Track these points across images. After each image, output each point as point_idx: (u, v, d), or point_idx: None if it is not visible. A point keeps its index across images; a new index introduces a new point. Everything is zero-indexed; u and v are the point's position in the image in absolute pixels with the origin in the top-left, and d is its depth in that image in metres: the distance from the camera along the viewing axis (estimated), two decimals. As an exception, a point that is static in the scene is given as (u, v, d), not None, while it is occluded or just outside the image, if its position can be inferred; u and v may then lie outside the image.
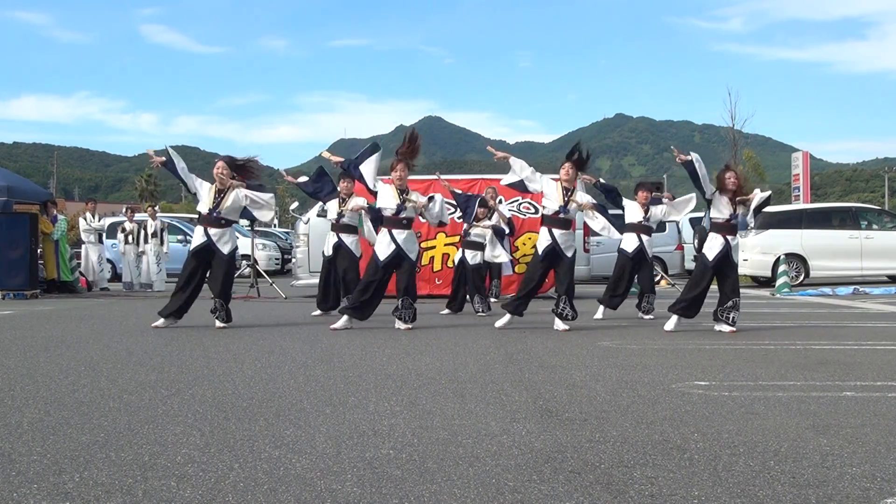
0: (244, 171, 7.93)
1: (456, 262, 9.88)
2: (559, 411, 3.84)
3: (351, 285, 8.80)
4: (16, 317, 9.44)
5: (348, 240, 9.09)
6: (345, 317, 7.66)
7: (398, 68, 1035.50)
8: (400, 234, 7.60)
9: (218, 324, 7.89)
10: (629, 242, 8.89)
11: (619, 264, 9.05)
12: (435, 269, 12.34)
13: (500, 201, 12.35)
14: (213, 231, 7.79)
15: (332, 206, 9.27)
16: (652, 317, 8.78)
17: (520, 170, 7.74)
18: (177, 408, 3.92)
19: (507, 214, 11.70)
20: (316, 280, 12.77)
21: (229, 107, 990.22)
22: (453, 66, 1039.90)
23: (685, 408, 3.92)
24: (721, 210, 7.50)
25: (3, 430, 3.46)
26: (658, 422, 3.60)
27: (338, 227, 9.16)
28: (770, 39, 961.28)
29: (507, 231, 11.16)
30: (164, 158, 7.73)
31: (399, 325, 7.62)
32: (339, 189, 9.29)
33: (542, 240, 7.62)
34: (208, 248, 7.81)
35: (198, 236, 7.88)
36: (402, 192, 7.62)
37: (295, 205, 14.65)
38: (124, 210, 17.40)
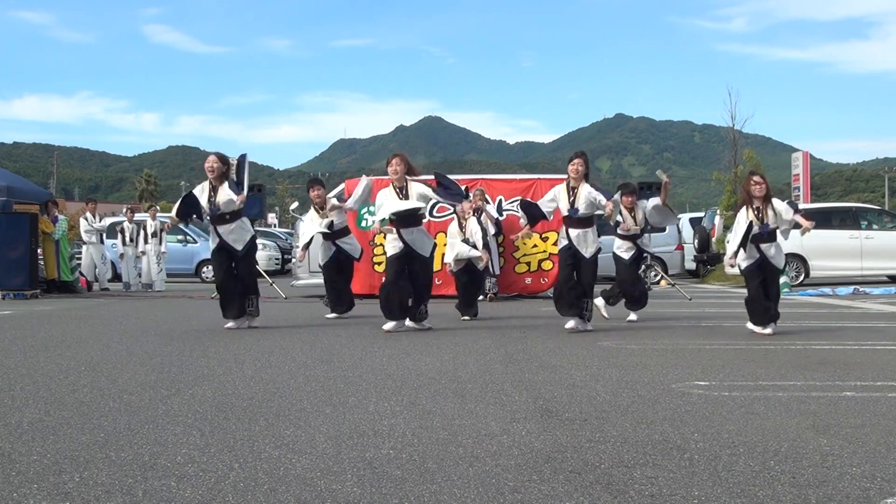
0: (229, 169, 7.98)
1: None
2: (559, 411, 3.84)
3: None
4: (16, 317, 9.44)
5: (344, 244, 9.16)
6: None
7: (400, 68, 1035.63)
8: (408, 234, 7.55)
9: (251, 322, 7.93)
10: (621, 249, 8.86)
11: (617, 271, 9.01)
12: (435, 270, 12.32)
13: (500, 201, 12.38)
14: (221, 229, 7.80)
15: (312, 218, 9.26)
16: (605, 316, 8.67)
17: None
18: (177, 408, 3.92)
19: (496, 216, 11.71)
20: (316, 280, 12.82)
21: (231, 106, 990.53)
22: (455, 66, 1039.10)
23: (685, 408, 3.92)
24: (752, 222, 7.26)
25: (3, 430, 3.46)
26: (658, 422, 3.60)
27: (332, 235, 9.18)
28: (773, 39, 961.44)
29: (493, 232, 11.16)
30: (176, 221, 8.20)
31: (387, 325, 7.55)
32: (311, 198, 9.30)
33: (561, 240, 7.63)
34: (223, 248, 7.84)
35: (212, 238, 7.97)
36: (402, 189, 7.54)
37: (295, 205, 14.64)
38: (124, 210, 17.40)
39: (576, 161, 7.43)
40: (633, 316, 8.68)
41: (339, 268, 9.26)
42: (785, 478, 2.74)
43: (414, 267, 7.61)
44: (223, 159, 7.91)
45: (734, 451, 3.09)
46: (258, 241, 9.41)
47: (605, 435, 3.35)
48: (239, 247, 7.81)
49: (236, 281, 7.86)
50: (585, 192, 7.29)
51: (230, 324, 7.80)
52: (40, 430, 3.44)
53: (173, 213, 8.13)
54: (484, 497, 2.54)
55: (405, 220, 7.52)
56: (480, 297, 11.28)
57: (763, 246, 7.27)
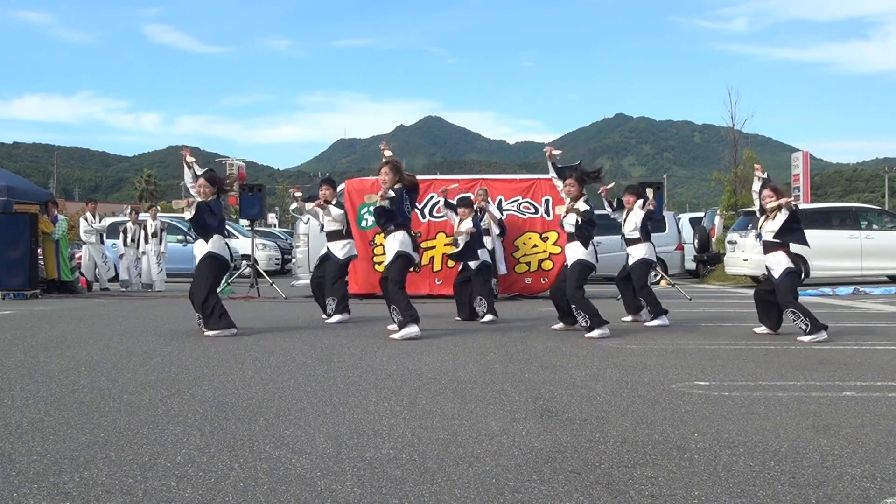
0: (220, 186, 7.72)
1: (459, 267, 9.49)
2: (559, 411, 3.84)
3: (333, 288, 8.78)
4: (16, 317, 9.44)
5: (334, 247, 8.96)
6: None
7: (401, 68, 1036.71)
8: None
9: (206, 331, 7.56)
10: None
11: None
12: (435, 269, 12.32)
13: (500, 201, 12.37)
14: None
15: (317, 213, 9.17)
16: (628, 318, 8.56)
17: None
18: (177, 408, 3.92)
19: (499, 216, 11.67)
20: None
21: (232, 106, 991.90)
22: (456, 66, 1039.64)
23: (685, 408, 3.92)
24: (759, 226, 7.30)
25: (3, 430, 3.46)
26: (658, 422, 3.60)
27: (326, 234, 9.08)
28: (773, 39, 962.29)
29: (497, 232, 11.10)
30: (192, 159, 7.68)
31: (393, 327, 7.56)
32: (319, 196, 9.21)
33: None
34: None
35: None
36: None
37: (295, 205, 14.66)
38: (129, 211, 17.38)
39: (567, 182, 7.45)
40: (628, 317, 8.70)
41: (324, 272, 9.11)
42: (785, 478, 2.74)
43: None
44: (212, 180, 7.61)
45: (734, 451, 3.09)
46: (258, 241, 9.24)
47: (605, 435, 3.35)
48: (197, 257, 7.57)
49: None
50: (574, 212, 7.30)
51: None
52: (40, 430, 3.44)
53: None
54: (484, 497, 2.54)
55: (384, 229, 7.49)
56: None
57: (765, 255, 7.20)
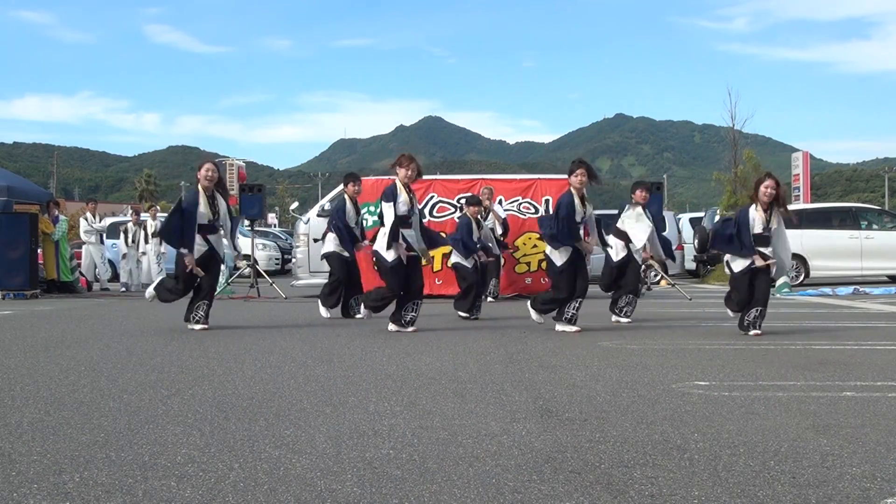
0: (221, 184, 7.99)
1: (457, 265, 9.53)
2: (559, 411, 3.84)
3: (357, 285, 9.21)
4: (16, 317, 9.44)
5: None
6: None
7: (401, 68, 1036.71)
8: (409, 234, 7.48)
9: (197, 327, 7.71)
10: (616, 248, 8.42)
11: (604, 270, 8.71)
12: (435, 270, 12.32)
13: (500, 201, 12.37)
14: (212, 238, 7.78)
15: (349, 213, 9.09)
16: (629, 321, 8.31)
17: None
18: (177, 408, 3.92)
19: (503, 215, 11.68)
20: (316, 280, 12.77)
21: (232, 106, 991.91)
22: (456, 66, 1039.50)
23: (685, 408, 3.92)
24: (755, 223, 7.07)
25: (3, 430, 3.46)
26: (658, 422, 3.60)
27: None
28: (773, 39, 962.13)
29: (500, 231, 11.12)
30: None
31: (393, 327, 7.56)
32: (346, 192, 9.23)
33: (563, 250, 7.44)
34: (213, 256, 7.83)
35: (196, 246, 7.67)
36: (408, 189, 7.48)
37: (295, 205, 14.67)
38: (130, 213, 17.38)
39: (578, 172, 7.33)
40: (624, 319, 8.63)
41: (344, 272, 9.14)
42: (785, 478, 2.74)
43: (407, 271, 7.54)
44: (218, 167, 7.97)
45: (734, 451, 3.09)
46: (258, 241, 9.35)
47: (605, 435, 3.35)
48: (222, 253, 8.00)
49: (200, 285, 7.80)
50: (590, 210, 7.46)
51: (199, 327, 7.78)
52: (40, 430, 3.44)
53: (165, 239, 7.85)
54: (484, 497, 2.54)
55: (405, 222, 7.45)
56: (489, 300, 11.27)
57: (764, 250, 7.17)
